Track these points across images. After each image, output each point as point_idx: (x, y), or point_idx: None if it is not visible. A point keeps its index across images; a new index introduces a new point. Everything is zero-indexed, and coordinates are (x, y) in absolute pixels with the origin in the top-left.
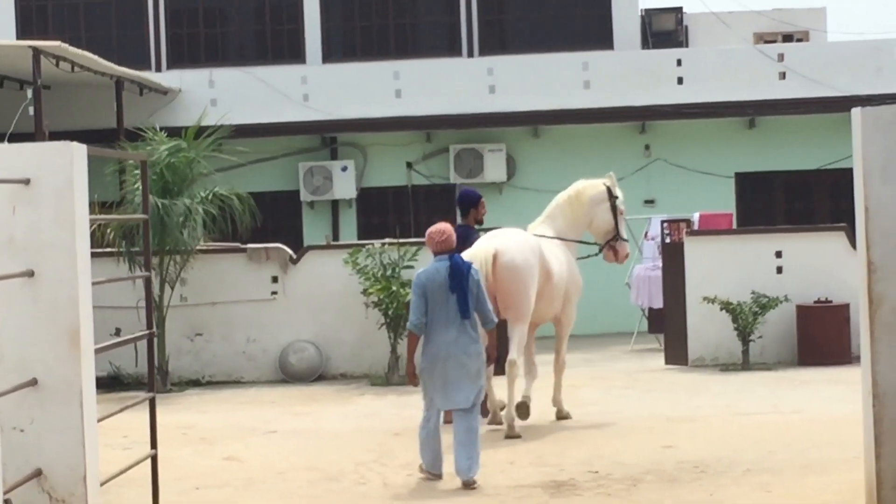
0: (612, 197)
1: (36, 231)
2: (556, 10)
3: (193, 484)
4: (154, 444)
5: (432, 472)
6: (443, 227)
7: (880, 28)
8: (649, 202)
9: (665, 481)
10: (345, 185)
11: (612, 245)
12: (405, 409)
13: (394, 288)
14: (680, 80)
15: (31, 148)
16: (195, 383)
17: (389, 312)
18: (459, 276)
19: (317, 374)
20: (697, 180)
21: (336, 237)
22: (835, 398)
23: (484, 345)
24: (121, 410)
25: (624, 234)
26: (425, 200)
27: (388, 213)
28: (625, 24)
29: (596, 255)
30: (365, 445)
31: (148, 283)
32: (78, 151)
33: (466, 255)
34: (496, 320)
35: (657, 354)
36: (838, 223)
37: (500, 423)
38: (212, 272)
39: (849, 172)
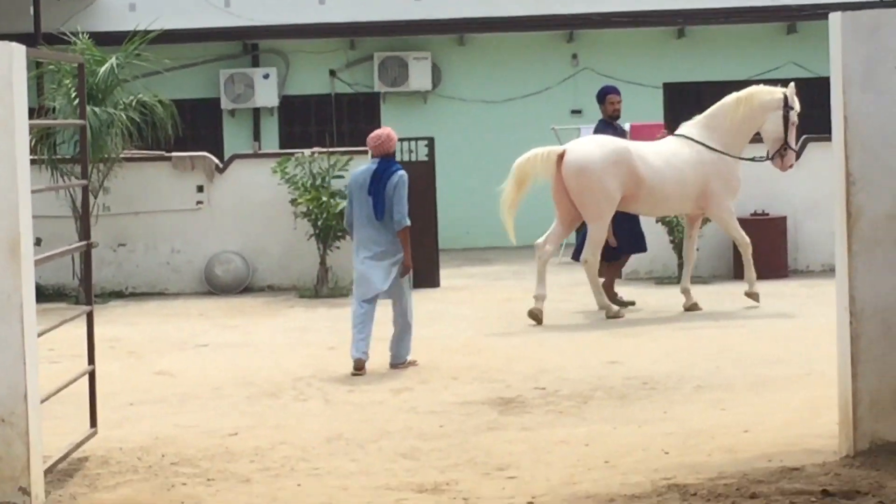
0: (786, 106)
1: None
2: None
3: (127, 399)
4: (92, 360)
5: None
6: (380, 132)
7: None
8: (577, 112)
9: (615, 398)
10: (266, 93)
11: (781, 153)
12: (337, 321)
13: (324, 198)
14: None
15: None
16: (118, 295)
17: (319, 223)
18: (377, 179)
19: (243, 286)
20: (625, 90)
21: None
22: (775, 312)
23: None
24: (60, 324)
25: (793, 144)
26: (349, 109)
27: (310, 122)
28: None
29: (763, 160)
30: (300, 360)
31: (85, 191)
32: (17, 52)
33: (540, 150)
34: (406, 223)
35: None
36: None
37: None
38: (135, 181)
39: (778, 84)
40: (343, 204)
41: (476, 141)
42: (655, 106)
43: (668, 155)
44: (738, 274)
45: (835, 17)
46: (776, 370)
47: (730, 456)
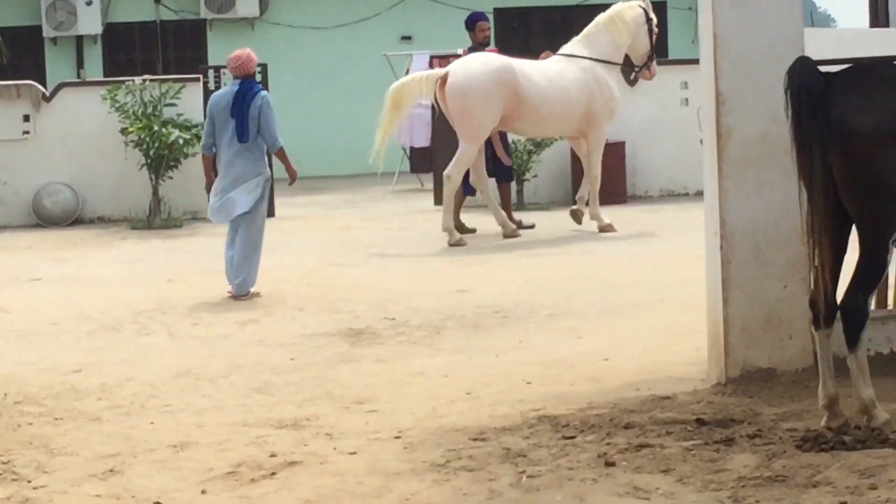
0: (648, 19)
1: None
2: None
3: None
4: None
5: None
6: (239, 53)
7: None
8: (406, 38)
9: (468, 328)
10: (90, 21)
11: (648, 64)
12: (173, 253)
13: (155, 127)
14: None
15: None
16: None
17: (151, 153)
18: (240, 101)
19: (73, 218)
20: (455, 16)
21: (80, 75)
22: (618, 238)
23: (285, 167)
24: None
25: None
26: (174, 37)
27: (135, 51)
28: None
29: (639, 70)
30: (139, 294)
31: None
32: None
33: (418, 74)
34: (279, 144)
35: (421, 194)
36: None
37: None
38: None
39: (607, 8)
40: (175, 133)
41: (306, 68)
42: None
43: (553, 74)
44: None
45: None
46: (627, 296)
47: (594, 385)
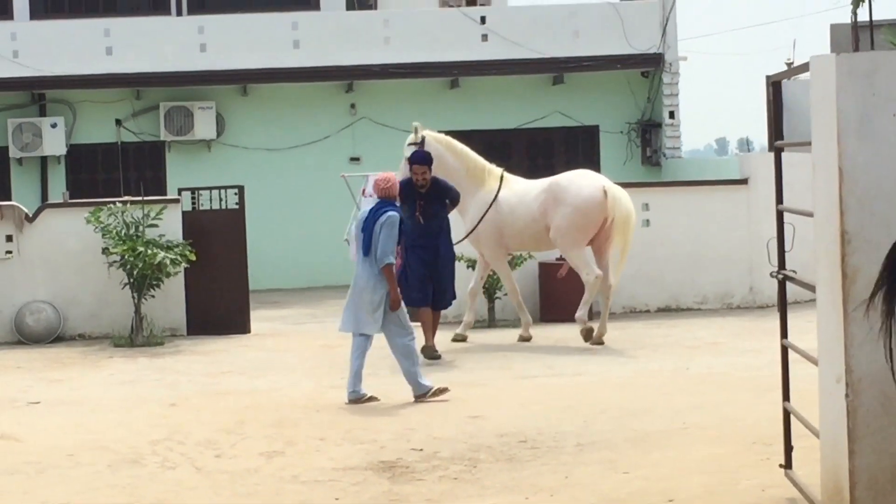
0: None
1: None
2: None
3: None
4: None
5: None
6: (386, 176)
7: None
8: (355, 159)
9: (503, 461)
10: (54, 142)
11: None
12: (164, 373)
13: (140, 248)
14: (387, 41)
15: None
16: None
17: (135, 272)
18: (370, 218)
19: (55, 336)
20: (402, 138)
21: (45, 195)
22: (603, 358)
23: (389, 289)
24: None
25: None
26: (135, 157)
27: (97, 170)
28: None
29: None
30: (147, 419)
31: None
32: None
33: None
34: (387, 261)
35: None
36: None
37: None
38: None
39: (544, 131)
40: (161, 253)
41: (259, 187)
42: None
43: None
44: (544, 316)
45: (826, 60)
46: (647, 424)
47: None
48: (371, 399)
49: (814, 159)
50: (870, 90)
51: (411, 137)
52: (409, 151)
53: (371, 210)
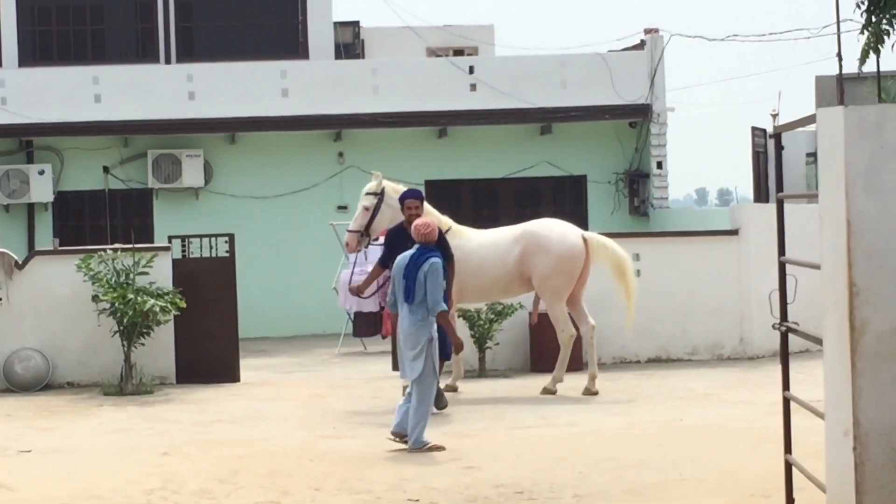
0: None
1: None
2: (252, 18)
3: None
4: None
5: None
6: (427, 221)
7: (544, 44)
8: (342, 208)
9: None
10: (42, 189)
11: None
12: (156, 422)
13: (130, 296)
14: (375, 90)
15: None
16: None
17: (125, 320)
18: (412, 264)
19: (43, 383)
20: None
21: (32, 242)
22: (596, 408)
23: (447, 333)
24: None
25: None
26: (122, 205)
27: (84, 217)
28: (319, 34)
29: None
30: (140, 468)
31: None
32: None
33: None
34: (440, 308)
35: (368, 358)
36: None
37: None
38: None
39: (532, 181)
40: (151, 301)
41: (246, 235)
42: None
43: None
44: (534, 367)
45: (834, 113)
46: (644, 475)
47: None
48: (436, 448)
49: (821, 211)
50: (878, 142)
51: (371, 186)
52: (367, 200)
53: (412, 257)
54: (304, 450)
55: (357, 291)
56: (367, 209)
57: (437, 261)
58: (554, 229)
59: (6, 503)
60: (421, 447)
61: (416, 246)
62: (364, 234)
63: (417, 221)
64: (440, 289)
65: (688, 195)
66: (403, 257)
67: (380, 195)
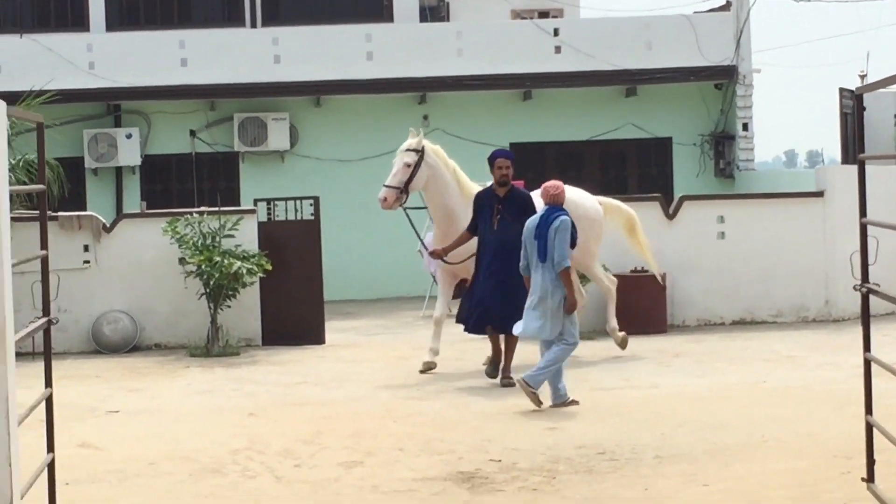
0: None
1: None
2: None
3: (58, 477)
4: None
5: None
6: (555, 183)
7: (629, 6)
8: None
9: (582, 472)
10: (129, 153)
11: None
12: (241, 383)
13: (216, 258)
14: (460, 52)
15: None
16: None
17: (211, 282)
18: (543, 224)
19: (131, 345)
20: (474, 150)
21: (119, 206)
22: (679, 370)
23: (567, 291)
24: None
25: None
26: (209, 168)
27: (171, 181)
28: None
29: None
30: (226, 429)
31: (45, 262)
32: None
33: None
34: (565, 265)
35: (451, 320)
36: (613, 192)
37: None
38: (21, 241)
39: (617, 143)
40: (238, 263)
41: (331, 198)
42: None
43: None
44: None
45: None
46: (726, 437)
47: None
48: (573, 403)
49: None
50: None
51: (412, 142)
52: (408, 156)
53: (541, 217)
54: (387, 411)
55: (439, 255)
56: (408, 165)
57: (566, 219)
58: (584, 196)
59: (95, 462)
60: (563, 402)
61: (544, 207)
62: (402, 192)
63: (547, 183)
64: (567, 246)
65: (777, 157)
66: (533, 219)
67: (420, 152)
